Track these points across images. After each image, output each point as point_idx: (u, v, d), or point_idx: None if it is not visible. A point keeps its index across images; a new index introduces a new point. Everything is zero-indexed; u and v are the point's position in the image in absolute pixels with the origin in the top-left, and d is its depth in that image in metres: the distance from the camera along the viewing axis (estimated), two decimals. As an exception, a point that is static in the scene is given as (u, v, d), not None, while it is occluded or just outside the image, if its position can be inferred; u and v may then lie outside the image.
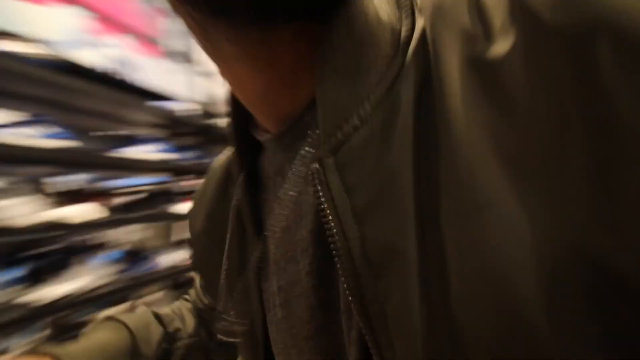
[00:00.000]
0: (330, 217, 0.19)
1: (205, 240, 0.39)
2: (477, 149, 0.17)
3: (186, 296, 0.49)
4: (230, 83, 0.25)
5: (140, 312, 0.43)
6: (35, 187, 1.12)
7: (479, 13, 0.18)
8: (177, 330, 0.43)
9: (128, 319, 0.40)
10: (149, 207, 1.55)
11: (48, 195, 1.12)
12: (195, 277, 0.48)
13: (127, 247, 1.52)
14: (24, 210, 1.03)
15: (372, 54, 0.21)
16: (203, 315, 0.46)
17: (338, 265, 0.20)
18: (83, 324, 1.17)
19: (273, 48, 0.21)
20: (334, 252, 0.20)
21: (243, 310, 0.32)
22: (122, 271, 1.35)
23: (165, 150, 1.68)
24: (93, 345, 0.36)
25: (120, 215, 1.37)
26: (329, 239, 0.20)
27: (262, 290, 0.30)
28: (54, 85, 1.18)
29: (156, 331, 0.41)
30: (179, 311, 0.45)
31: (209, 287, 0.42)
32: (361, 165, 0.20)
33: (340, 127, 0.20)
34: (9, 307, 0.97)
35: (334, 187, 0.20)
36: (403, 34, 0.21)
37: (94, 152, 1.32)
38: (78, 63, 1.22)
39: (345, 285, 0.19)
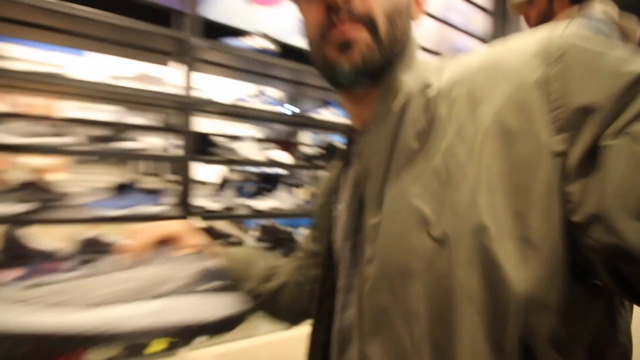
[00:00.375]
0: (361, 168, 0.46)
1: (323, 201, 0.63)
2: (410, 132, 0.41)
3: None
4: (343, 107, 0.55)
5: (258, 249, 0.70)
6: (260, 136, 1.71)
7: (433, 75, 0.42)
8: (278, 266, 0.65)
9: (254, 248, 0.68)
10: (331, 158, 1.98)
11: (267, 142, 1.69)
12: (305, 237, 0.69)
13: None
14: (252, 149, 1.63)
15: (396, 97, 0.44)
16: (306, 262, 0.64)
17: (356, 186, 0.48)
18: (279, 230, 1.75)
19: (358, 95, 0.48)
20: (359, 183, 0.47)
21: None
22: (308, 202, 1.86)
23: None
24: (241, 252, 0.63)
25: (309, 162, 1.85)
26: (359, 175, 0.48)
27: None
28: (274, 65, 1.70)
29: (265, 261, 0.64)
30: (282, 260, 0.68)
31: (320, 235, 0.62)
32: (370, 145, 0.45)
33: (373, 122, 0.45)
34: (241, 206, 1.62)
35: (363, 155, 0.46)
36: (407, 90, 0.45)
37: (299, 113, 1.81)
38: (290, 46, 1.69)
39: (356, 191, 0.48)
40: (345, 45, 0.41)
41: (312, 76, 1.85)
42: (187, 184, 1.46)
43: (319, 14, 0.42)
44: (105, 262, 0.43)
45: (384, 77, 0.45)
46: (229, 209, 1.58)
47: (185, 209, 1.44)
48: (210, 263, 0.47)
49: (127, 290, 0.38)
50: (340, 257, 0.52)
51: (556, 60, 0.32)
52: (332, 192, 0.59)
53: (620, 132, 0.28)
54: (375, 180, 0.42)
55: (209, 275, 0.44)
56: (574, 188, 0.30)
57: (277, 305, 0.62)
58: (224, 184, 1.66)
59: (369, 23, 0.41)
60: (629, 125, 0.28)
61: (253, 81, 1.91)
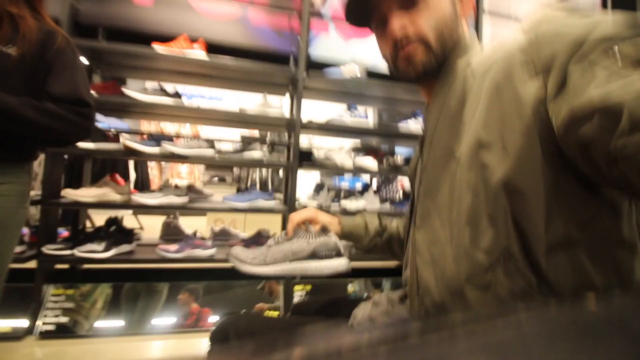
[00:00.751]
0: (427, 129, 0.64)
1: (413, 165, 0.78)
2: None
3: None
4: (422, 92, 0.69)
5: (372, 214, 0.90)
6: (352, 146, 1.98)
7: (476, 56, 0.59)
8: (388, 224, 0.87)
9: (367, 214, 0.89)
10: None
11: (351, 151, 1.96)
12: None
13: (400, 192, 2.20)
14: (344, 158, 1.92)
15: (451, 77, 0.60)
16: (406, 221, 0.78)
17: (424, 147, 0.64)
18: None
19: (428, 83, 0.65)
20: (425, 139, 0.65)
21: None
22: (394, 205, 2.04)
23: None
24: (351, 220, 0.85)
25: (395, 169, 2.04)
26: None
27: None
28: (367, 85, 1.97)
29: (376, 222, 0.86)
30: (390, 219, 0.90)
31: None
32: (430, 113, 0.63)
33: (433, 97, 0.63)
34: (334, 205, 1.90)
35: (426, 121, 0.66)
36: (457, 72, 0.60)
37: (383, 126, 2.04)
38: (378, 71, 1.95)
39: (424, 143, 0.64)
40: (409, 60, 0.60)
41: (401, 91, 2.08)
42: (292, 185, 1.82)
43: (389, 45, 0.62)
44: (277, 236, 0.77)
45: (444, 65, 0.61)
46: (323, 207, 1.88)
47: (290, 205, 1.79)
48: (330, 236, 0.75)
49: (287, 254, 0.72)
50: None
51: (533, 32, 0.46)
52: (418, 156, 0.78)
53: (579, 62, 0.40)
54: (429, 134, 0.61)
55: (327, 246, 0.74)
56: (554, 106, 0.42)
57: (391, 250, 0.87)
58: (320, 186, 1.98)
59: (422, 41, 0.59)
60: (585, 57, 0.40)
61: (348, 101, 2.22)
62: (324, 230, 0.75)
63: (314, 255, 0.72)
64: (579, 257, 0.45)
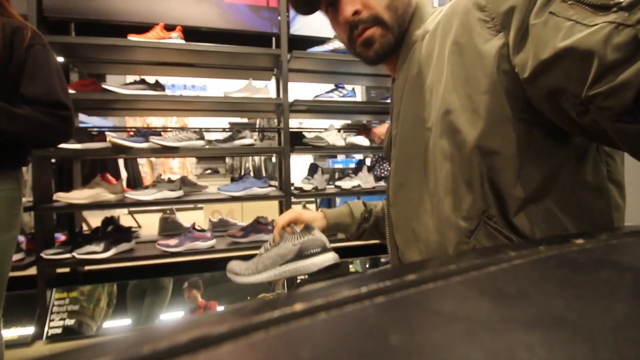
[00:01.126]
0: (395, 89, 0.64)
1: (388, 140, 0.81)
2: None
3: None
4: (386, 70, 0.68)
5: (358, 201, 0.87)
6: (342, 125, 1.97)
7: (432, 22, 0.57)
8: (373, 208, 0.85)
9: (351, 202, 0.86)
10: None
11: (346, 129, 1.95)
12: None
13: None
14: (336, 137, 1.91)
15: (411, 47, 0.58)
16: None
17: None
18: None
19: (390, 61, 0.63)
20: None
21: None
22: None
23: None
24: (336, 210, 0.83)
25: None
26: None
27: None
28: (352, 62, 1.94)
29: (362, 207, 0.84)
30: (375, 203, 0.88)
31: None
32: (396, 86, 0.62)
33: (398, 70, 0.61)
34: (329, 186, 1.90)
35: (396, 88, 0.63)
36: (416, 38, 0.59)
37: (369, 102, 2.02)
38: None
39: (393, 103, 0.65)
40: (367, 43, 0.58)
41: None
42: (286, 170, 1.81)
43: (345, 30, 0.59)
44: (266, 243, 0.78)
45: (403, 40, 0.59)
46: (318, 189, 1.88)
47: (285, 190, 1.79)
48: (314, 233, 0.75)
49: (275, 259, 0.74)
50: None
51: None
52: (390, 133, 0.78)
53: (539, 14, 0.39)
54: (397, 107, 0.60)
55: (313, 243, 0.75)
56: (517, 59, 0.41)
57: (380, 233, 0.86)
58: (315, 169, 1.97)
59: (377, 21, 0.56)
60: (544, 8, 0.38)
61: (334, 80, 2.19)
62: (308, 228, 0.76)
63: (300, 255, 0.73)
64: (550, 208, 0.46)
